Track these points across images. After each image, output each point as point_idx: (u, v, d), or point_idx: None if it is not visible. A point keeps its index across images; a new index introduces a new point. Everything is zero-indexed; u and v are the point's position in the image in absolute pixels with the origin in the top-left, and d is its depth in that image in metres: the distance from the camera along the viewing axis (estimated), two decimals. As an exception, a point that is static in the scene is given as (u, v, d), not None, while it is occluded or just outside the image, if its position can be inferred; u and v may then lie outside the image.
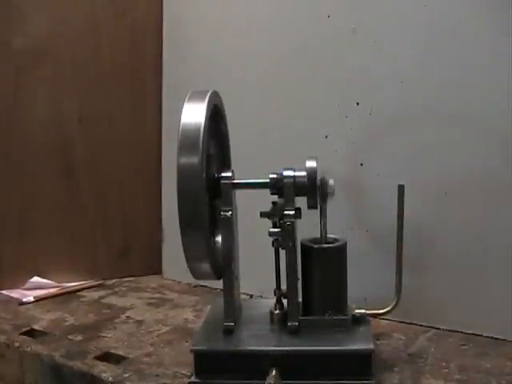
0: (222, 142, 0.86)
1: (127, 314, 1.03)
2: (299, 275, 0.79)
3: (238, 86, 1.08)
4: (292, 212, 0.77)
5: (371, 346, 0.73)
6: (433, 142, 0.90)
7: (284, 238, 0.77)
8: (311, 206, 0.78)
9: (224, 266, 0.78)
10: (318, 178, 0.77)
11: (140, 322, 0.99)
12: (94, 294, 1.15)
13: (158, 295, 1.14)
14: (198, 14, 1.16)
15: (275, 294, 0.81)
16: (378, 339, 0.87)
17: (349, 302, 0.81)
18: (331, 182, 0.78)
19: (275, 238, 0.79)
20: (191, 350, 0.76)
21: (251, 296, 1.06)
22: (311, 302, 0.80)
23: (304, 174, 0.77)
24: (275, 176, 0.78)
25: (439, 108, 0.89)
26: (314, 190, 0.77)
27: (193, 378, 0.75)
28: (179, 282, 1.21)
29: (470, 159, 0.87)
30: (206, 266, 0.74)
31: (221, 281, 0.78)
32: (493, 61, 0.85)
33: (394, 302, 0.80)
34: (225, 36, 1.11)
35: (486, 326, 0.87)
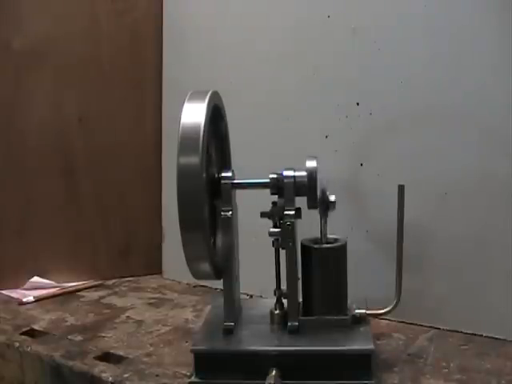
0: (222, 142, 0.86)
1: (127, 314, 1.03)
2: (299, 275, 0.79)
3: (238, 85, 1.08)
4: (292, 212, 0.77)
5: (371, 346, 0.73)
6: (433, 142, 0.90)
7: (284, 238, 0.77)
8: (311, 206, 0.78)
9: (224, 266, 0.78)
10: (319, 190, 0.77)
11: (140, 322, 0.99)
12: (94, 294, 1.15)
13: (158, 295, 1.14)
14: (198, 14, 1.16)
15: (275, 294, 0.81)
16: (378, 339, 0.87)
17: (349, 302, 0.81)
18: (332, 197, 0.78)
19: (275, 238, 0.79)
20: (191, 350, 0.76)
21: (251, 296, 1.06)
22: (311, 301, 0.80)
23: (304, 174, 0.77)
24: (275, 176, 0.78)
25: (439, 108, 0.89)
26: (314, 189, 0.77)
27: (193, 378, 0.75)
28: (179, 282, 1.20)
29: (470, 159, 0.87)
30: (205, 266, 0.74)
31: (221, 281, 0.78)
32: (493, 61, 0.85)
33: (394, 302, 0.80)
34: (225, 36, 1.11)
35: (486, 326, 0.87)
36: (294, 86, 1.03)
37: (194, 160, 0.70)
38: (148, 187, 1.25)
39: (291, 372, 0.72)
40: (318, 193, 0.78)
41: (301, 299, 0.81)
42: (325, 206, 0.78)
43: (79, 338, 0.93)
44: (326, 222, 0.80)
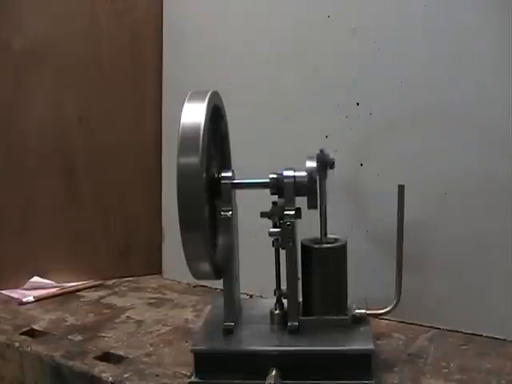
0: (222, 142, 0.86)
1: (127, 314, 1.03)
2: (299, 275, 0.79)
3: (238, 85, 1.08)
4: (292, 212, 0.77)
5: (371, 346, 0.73)
6: (433, 142, 0.90)
7: (284, 238, 0.77)
8: (311, 206, 0.78)
9: (224, 266, 0.78)
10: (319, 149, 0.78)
11: (140, 322, 0.99)
12: (94, 294, 1.15)
13: (158, 295, 1.14)
14: (198, 14, 1.16)
15: (275, 294, 0.81)
16: (378, 339, 0.87)
17: (349, 302, 0.81)
18: (331, 154, 0.78)
19: (275, 238, 0.79)
20: (191, 350, 0.76)
21: (251, 296, 1.06)
22: (311, 301, 0.80)
23: (304, 174, 0.77)
24: (275, 176, 0.78)
25: (439, 108, 0.89)
26: (314, 189, 0.77)
27: (193, 378, 0.75)
28: (179, 282, 1.20)
29: (470, 159, 0.87)
30: (205, 266, 0.74)
31: (221, 281, 0.78)
32: (493, 61, 0.85)
33: (394, 302, 0.80)
34: (225, 36, 1.11)
35: (486, 326, 0.87)
36: (294, 86, 1.03)
37: (193, 160, 0.70)
38: (148, 187, 1.25)
39: (291, 372, 0.72)
40: (317, 152, 0.77)
41: (301, 299, 0.81)
42: (324, 164, 0.78)
43: (79, 337, 0.93)
44: (325, 217, 0.80)
